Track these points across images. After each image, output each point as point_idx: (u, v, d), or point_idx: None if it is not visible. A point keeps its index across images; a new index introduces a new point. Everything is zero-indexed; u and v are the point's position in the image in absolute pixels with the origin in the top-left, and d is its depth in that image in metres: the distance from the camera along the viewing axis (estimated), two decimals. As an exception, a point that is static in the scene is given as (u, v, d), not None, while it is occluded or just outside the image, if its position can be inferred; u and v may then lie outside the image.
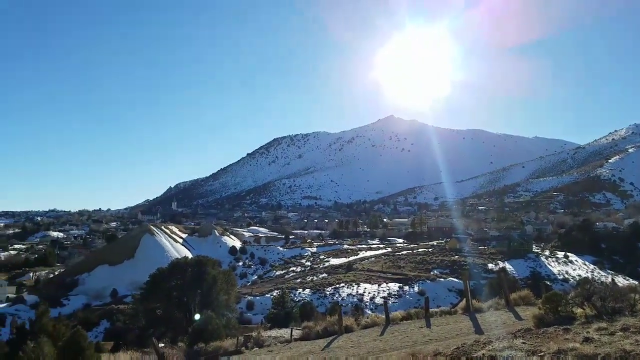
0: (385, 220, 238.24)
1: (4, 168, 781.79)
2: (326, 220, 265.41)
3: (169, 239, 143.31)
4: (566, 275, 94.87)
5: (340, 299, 78.86)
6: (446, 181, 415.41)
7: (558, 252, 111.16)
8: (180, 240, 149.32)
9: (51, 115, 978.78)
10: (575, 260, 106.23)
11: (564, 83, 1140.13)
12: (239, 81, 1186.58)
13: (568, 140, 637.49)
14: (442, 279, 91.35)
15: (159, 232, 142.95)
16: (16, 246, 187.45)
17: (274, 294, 75.94)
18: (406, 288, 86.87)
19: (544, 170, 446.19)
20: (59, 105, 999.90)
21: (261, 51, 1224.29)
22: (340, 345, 19.41)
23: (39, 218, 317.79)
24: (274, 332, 29.29)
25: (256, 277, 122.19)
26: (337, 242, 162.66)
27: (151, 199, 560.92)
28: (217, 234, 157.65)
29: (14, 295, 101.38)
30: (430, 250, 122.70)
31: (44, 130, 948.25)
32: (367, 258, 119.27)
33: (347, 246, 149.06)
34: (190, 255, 73.81)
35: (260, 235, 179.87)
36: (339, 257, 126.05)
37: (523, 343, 8.60)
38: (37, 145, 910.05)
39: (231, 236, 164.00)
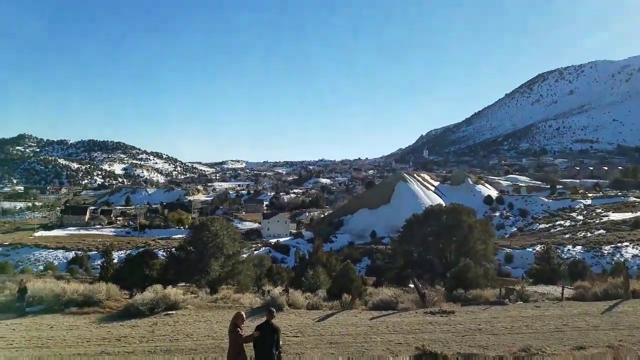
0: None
1: (287, 127, 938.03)
2: (605, 168, 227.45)
3: (421, 186, 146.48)
4: None
5: (622, 259, 66.75)
6: None
7: None
8: (432, 188, 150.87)
9: (318, 78, 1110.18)
10: None
11: None
12: (493, 14, 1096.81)
13: None
14: None
15: (411, 180, 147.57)
16: (295, 190, 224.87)
17: (537, 248, 69.73)
18: None
19: None
20: (323, 70, 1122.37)
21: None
22: (625, 311, 16.20)
23: (311, 167, 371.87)
24: (540, 289, 26.61)
25: (515, 229, 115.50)
26: (619, 193, 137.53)
27: (404, 147, 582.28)
28: (471, 182, 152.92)
29: (295, 231, 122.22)
30: None
31: (319, 93, 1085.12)
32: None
33: (634, 198, 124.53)
34: (442, 203, 73.71)
35: (520, 184, 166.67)
36: (621, 212, 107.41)
37: None
38: (310, 106, 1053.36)
39: (486, 185, 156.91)
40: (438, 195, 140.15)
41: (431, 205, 47.93)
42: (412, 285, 28.27)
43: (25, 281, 18.29)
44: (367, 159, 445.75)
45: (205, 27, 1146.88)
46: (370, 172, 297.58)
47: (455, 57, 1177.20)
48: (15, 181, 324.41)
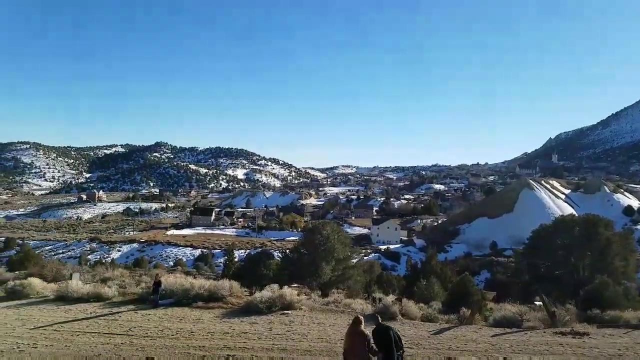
0: None
1: (398, 130, 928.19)
2: None
3: (550, 194, 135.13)
4: None
5: None
6: None
7: None
8: (562, 197, 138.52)
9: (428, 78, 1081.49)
10: None
11: None
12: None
13: None
14: None
15: (538, 187, 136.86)
16: (406, 196, 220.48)
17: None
18: None
19: None
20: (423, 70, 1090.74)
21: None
22: None
23: (424, 172, 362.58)
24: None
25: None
26: None
27: (529, 151, 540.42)
28: (608, 191, 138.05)
29: (406, 238, 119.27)
30: None
31: (432, 93, 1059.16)
32: None
33: None
34: (574, 213, 67.03)
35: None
36: None
37: None
38: (423, 108, 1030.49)
39: (626, 194, 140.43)
40: (569, 205, 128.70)
41: (562, 215, 43.65)
42: (538, 303, 25.94)
43: (160, 276, 20.10)
44: (486, 163, 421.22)
45: (306, 34, 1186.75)
46: (490, 178, 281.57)
47: (587, 52, 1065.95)
48: (151, 184, 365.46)
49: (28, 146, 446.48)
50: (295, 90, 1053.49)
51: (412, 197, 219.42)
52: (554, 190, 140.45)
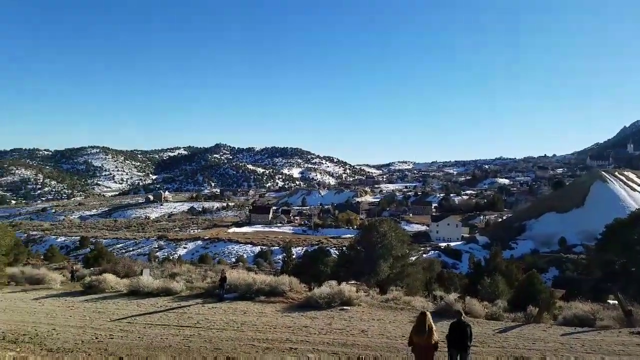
0: None
1: (459, 124, 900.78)
2: None
3: (624, 186, 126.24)
4: None
5: None
6: None
7: None
8: (639, 189, 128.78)
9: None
10: None
11: None
12: None
13: None
14: None
15: (612, 179, 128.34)
16: (468, 192, 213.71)
17: None
18: None
19: None
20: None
21: None
22: None
23: (486, 166, 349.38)
24: None
25: None
26: None
27: (601, 142, 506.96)
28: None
29: (468, 235, 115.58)
30: None
31: (495, 85, 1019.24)
32: None
33: None
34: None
35: None
36: None
37: None
38: (485, 100, 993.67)
39: None
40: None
41: (638, 209, 40.71)
42: (612, 301, 24.48)
43: (225, 271, 20.89)
44: (554, 155, 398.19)
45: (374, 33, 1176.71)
46: (559, 170, 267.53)
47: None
48: (212, 184, 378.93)
49: (98, 150, 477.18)
50: (348, 86, 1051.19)
51: (474, 192, 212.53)
52: (629, 183, 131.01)
